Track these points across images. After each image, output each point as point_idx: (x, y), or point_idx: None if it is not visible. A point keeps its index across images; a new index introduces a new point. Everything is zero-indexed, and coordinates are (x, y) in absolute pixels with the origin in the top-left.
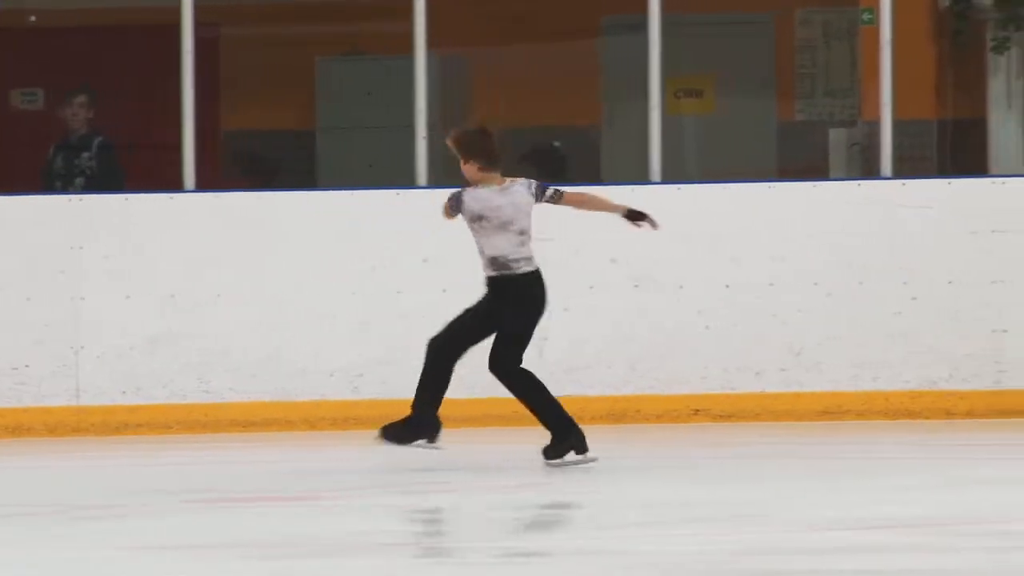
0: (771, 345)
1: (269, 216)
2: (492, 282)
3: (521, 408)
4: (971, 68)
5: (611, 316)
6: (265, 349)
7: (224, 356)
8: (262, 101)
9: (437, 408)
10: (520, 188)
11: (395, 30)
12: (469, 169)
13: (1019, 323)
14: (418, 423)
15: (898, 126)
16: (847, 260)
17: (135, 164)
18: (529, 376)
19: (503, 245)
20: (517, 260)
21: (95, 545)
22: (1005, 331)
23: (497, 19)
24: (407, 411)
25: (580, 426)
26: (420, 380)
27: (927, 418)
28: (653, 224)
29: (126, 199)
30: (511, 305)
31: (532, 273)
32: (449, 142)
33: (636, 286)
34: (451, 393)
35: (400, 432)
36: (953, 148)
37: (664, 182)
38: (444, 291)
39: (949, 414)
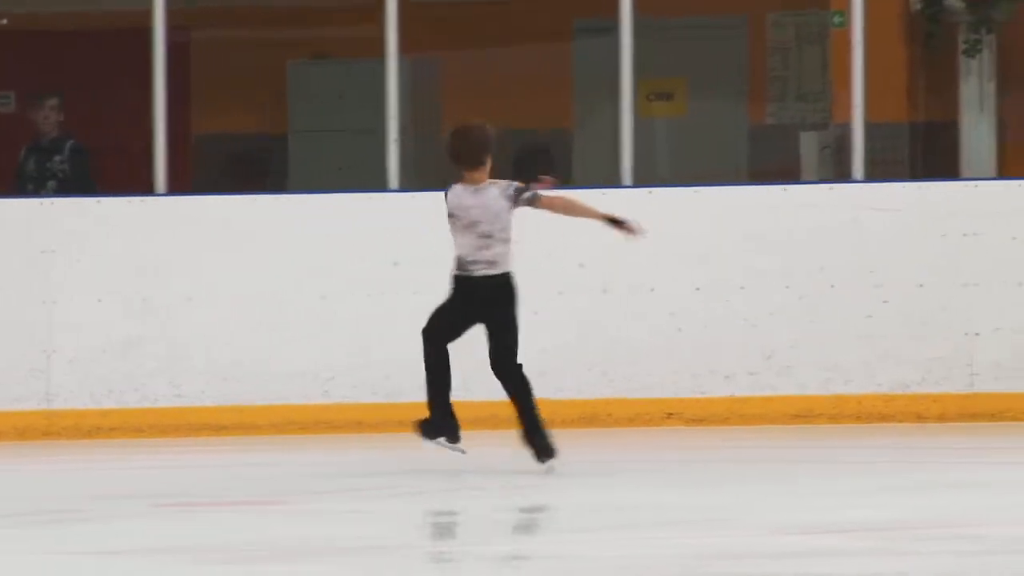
0: (742, 349)
1: (240, 219)
2: (454, 280)
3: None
4: (943, 71)
5: (581, 319)
6: (236, 353)
7: (195, 360)
8: (233, 105)
9: (447, 401)
10: (494, 191)
11: (366, 34)
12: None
13: (990, 326)
14: (439, 422)
15: (869, 129)
16: (818, 263)
17: (107, 167)
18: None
19: (464, 245)
20: (475, 263)
21: (62, 550)
22: (977, 334)
23: (468, 22)
24: (377, 414)
25: (550, 430)
26: (426, 377)
27: (899, 422)
28: (635, 230)
29: (98, 202)
30: (475, 306)
31: (495, 277)
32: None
33: (605, 291)
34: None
35: (426, 428)
36: (925, 151)
37: (635, 185)
38: (415, 294)
39: (921, 418)
